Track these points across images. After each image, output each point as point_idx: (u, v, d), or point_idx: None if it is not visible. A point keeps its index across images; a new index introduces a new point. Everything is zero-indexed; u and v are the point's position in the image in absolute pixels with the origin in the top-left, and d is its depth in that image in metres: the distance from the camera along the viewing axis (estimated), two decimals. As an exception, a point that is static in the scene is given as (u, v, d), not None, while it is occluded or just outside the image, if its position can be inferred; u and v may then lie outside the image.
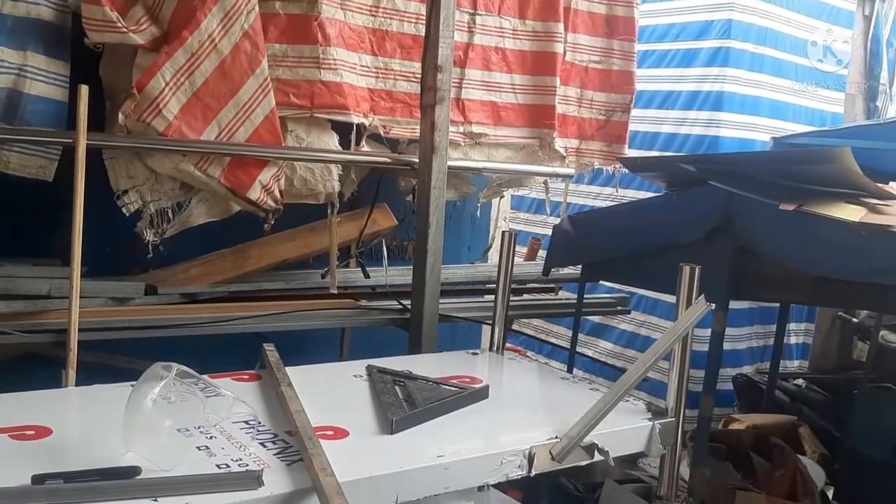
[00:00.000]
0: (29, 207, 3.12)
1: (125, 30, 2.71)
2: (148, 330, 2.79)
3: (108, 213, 2.88)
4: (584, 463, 1.96)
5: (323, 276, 3.52)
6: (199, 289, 3.18)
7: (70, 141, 2.57)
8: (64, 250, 2.83)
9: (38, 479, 1.44)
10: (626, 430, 2.08)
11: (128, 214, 2.91)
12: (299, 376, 2.16)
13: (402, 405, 2.06)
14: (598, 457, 1.96)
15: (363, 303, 3.44)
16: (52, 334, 2.64)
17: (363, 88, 3.38)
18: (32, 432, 1.73)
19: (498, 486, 2.46)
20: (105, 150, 2.81)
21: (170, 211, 2.95)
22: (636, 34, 4.23)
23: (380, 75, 3.46)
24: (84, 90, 2.51)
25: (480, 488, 2.46)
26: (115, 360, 3.11)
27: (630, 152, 4.37)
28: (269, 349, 2.40)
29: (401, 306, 3.36)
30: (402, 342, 3.27)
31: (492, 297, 3.77)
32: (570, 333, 4.23)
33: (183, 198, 2.98)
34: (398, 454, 1.76)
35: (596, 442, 1.94)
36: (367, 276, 3.68)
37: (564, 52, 3.96)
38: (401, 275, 3.73)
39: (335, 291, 3.42)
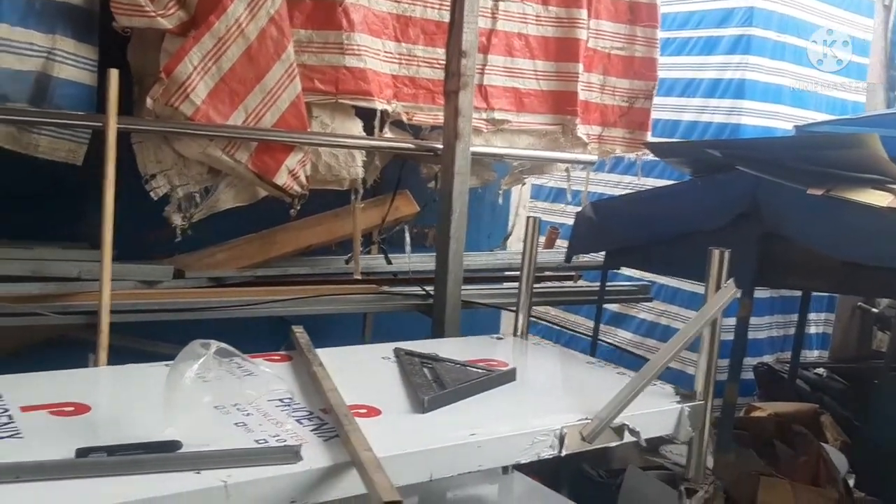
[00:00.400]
0: (55, 191, 3.14)
1: (153, 14, 2.72)
2: (177, 312, 2.82)
3: (135, 198, 2.90)
4: (613, 444, 1.97)
5: (347, 262, 3.53)
6: (226, 273, 3.21)
7: (99, 125, 2.59)
8: (92, 234, 2.86)
9: (83, 453, 1.46)
10: (656, 412, 2.09)
11: (156, 199, 2.93)
12: (328, 358, 2.18)
13: (432, 386, 2.07)
14: (628, 438, 1.96)
15: (385, 288, 3.46)
16: (83, 316, 2.67)
17: (386, 75, 3.39)
18: (72, 409, 1.75)
19: (520, 469, 2.49)
20: (133, 134, 2.84)
21: (197, 195, 2.97)
22: (659, 21, 4.21)
23: (403, 61, 3.47)
24: (114, 74, 2.52)
25: (505, 471, 2.49)
26: (141, 343, 3.14)
27: (651, 140, 4.36)
28: (299, 331, 2.42)
29: (424, 292, 3.37)
30: (423, 328, 3.28)
31: (511, 284, 3.80)
32: (587, 323, 4.25)
33: (210, 182, 3.00)
34: (431, 432, 1.78)
35: (626, 423, 1.94)
36: (389, 262, 3.70)
37: (587, 39, 3.96)
38: (422, 261, 3.75)
39: (359, 277, 3.44)
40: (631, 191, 5.35)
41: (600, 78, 4.05)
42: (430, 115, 3.53)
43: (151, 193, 2.91)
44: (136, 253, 3.18)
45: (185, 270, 3.10)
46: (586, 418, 1.93)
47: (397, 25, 3.43)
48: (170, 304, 2.85)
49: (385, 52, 3.38)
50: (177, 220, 2.94)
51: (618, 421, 1.94)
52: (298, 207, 3.18)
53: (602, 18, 4.02)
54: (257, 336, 2.73)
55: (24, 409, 1.71)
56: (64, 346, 3.04)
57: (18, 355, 3.09)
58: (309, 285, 3.37)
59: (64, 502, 1.32)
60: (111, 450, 1.48)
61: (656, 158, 4.35)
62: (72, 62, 2.68)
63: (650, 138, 4.25)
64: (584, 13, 3.89)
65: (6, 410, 1.70)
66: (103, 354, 2.56)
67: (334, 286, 3.37)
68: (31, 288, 2.64)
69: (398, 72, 3.46)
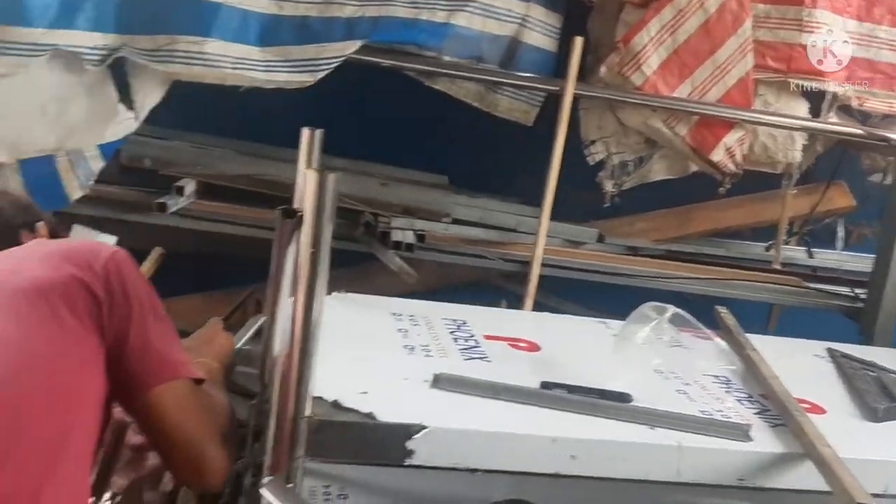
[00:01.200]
0: (495, 148, 3.42)
1: (619, -15, 2.82)
2: (599, 274, 2.94)
3: (570, 160, 3.05)
4: None
5: (767, 249, 3.39)
6: (642, 243, 3.26)
7: (557, 89, 2.76)
8: (525, 189, 3.09)
9: (547, 386, 1.59)
10: None
11: (592, 164, 3.05)
12: (756, 344, 2.10)
13: (881, 395, 1.90)
14: None
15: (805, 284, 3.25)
16: (517, 265, 2.90)
17: (842, 55, 3.13)
18: (525, 345, 1.92)
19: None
20: (582, 100, 2.98)
21: (631, 164, 3.05)
22: None
23: (862, 42, 3.18)
24: (578, 42, 2.67)
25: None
26: (547, 297, 3.33)
27: None
28: (725, 312, 2.37)
29: (852, 294, 3.10)
30: (833, 329, 2.99)
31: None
32: None
33: (645, 152, 3.05)
34: (887, 443, 1.64)
35: None
36: (811, 255, 3.47)
37: None
38: (845, 260, 3.47)
39: (778, 267, 3.27)
40: None
41: None
42: (885, 102, 3.20)
43: (588, 158, 3.05)
44: (562, 212, 3.36)
45: (605, 235, 3.21)
46: None
47: (862, 3, 3.14)
48: (592, 266, 2.97)
49: (844, 31, 3.12)
50: (608, 186, 3.05)
51: None
52: (729, 186, 3.10)
53: None
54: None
55: (487, 337, 1.91)
56: (476, 290, 3.33)
57: (438, 292, 3.47)
58: (719, 267, 3.28)
59: (532, 425, 1.45)
60: (570, 388, 1.59)
61: None
62: (540, 29, 2.88)
63: None
64: None
65: (472, 336, 1.92)
66: (530, 302, 2.77)
67: (750, 272, 3.24)
68: (479, 233, 2.94)
69: (855, 53, 3.17)
